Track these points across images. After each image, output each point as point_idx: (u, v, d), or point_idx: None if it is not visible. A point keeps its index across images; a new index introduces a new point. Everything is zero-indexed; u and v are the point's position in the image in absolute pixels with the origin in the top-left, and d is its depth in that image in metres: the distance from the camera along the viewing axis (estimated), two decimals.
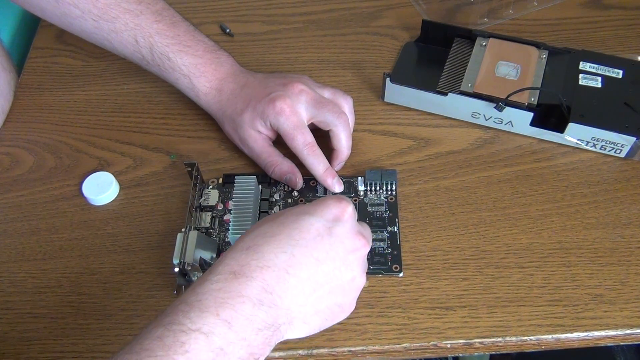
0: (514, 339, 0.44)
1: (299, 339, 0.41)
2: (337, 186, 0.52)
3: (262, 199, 0.52)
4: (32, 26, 0.71)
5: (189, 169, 0.51)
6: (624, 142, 0.52)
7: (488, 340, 0.44)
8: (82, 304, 0.48)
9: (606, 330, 0.44)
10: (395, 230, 0.50)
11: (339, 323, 0.42)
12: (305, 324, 0.39)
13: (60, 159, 0.57)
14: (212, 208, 0.52)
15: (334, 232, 0.39)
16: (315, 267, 0.38)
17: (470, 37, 0.59)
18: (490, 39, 0.58)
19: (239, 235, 0.46)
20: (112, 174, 0.54)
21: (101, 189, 0.53)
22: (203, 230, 0.51)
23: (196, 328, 0.33)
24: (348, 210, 0.40)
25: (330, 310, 0.40)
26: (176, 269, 0.45)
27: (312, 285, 0.38)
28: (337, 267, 0.39)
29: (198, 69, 0.54)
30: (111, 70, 0.65)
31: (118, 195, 0.54)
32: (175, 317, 0.34)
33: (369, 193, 0.52)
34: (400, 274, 0.47)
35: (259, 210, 0.51)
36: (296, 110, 0.51)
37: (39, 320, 0.47)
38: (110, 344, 0.45)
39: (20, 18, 0.72)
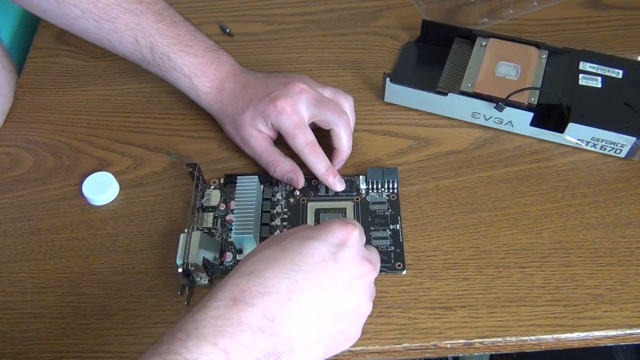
0: (514, 339, 0.44)
1: None
2: (339, 185, 0.52)
3: (264, 199, 0.52)
4: (32, 26, 0.71)
5: (191, 169, 0.51)
6: (624, 142, 0.52)
7: (488, 340, 0.44)
8: (82, 304, 0.48)
9: (606, 330, 0.44)
10: (398, 228, 0.50)
11: None
12: (307, 353, 0.37)
13: (60, 159, 0.57)
14: (214, 208, 0.52)
15: (339, 257, 0.38)
16: (319, 293, 0.36)
17: (470, 37, 0.60)
18: (490, 39, 0.58)
19: (242, 235, 0.47)
20: (112, 174, 0.54)
21: (101, 189, 0.53)
22: (205, 231, 0.51)
23: (193, 358, 0.32)
24: (354, 235, 0.39)
25: (334, 338, 0.38)
26: (180, 270, 0.45)
27: (315, 312, 0.36)
28: (341, 294, 0.37)
29: (199, 68, 0.54)
30: (111, 70, 0.65)
31: (118, 195, 0.54)
32: (172, 345, 0.33)
33: (370, 191, 0.52)
34: (404, 272, 0.47)
35: (261, 210, 0.51)
36: (297, 109, 0.51)
37: (39, 320, 0.47)
38: (110, 344, 0.45)
39: (20, 18, 0.72)
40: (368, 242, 0.48)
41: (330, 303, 0.37)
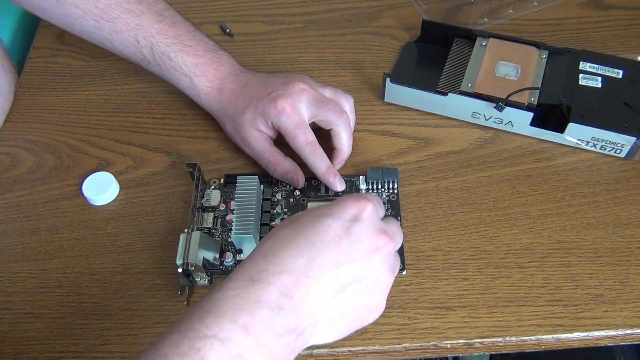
0: (514, 339, 0.44)
1: (327, 344, 0.39)
2: (339, 185, 0.52)
3: (264, 199, 0.52)
4: (32, 26, 0.71)
5: (191, 169, 0.51)
6: (624, 142, 0.52)
7: (488, 340, 0.44)
8: (82, 304, 0.48)
9: (606, 330, 0.44)
10: None
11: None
12: (331, 328, 0.37)
13: (60, 159, 0.57)
14: (214, 208, 0.52)
15: (353, 231, 0.38)
16: (336, 269, 0.37)
17: (470, 37, 0.60)
18: (491, 39, 0.58)
19: (242, 235, 0.47)
20: (112, 174, 0.54)
21: (101, 189, 0.53)
22: (205, 231, 0.51)
23: (212, 334, 0.32)
24: (367, 209, 0.39)
25: (357, 312, 0.38)
26: (180, 270, 0.45)
27: (333, 287, 0.37)
28: (358, 268, 0.37)
29: (199, 68, 0.54)
30: (111, 70, 0.65)
31: (118, 195, 0.54)
32: (191, 323, 0.33)
33: (370, 192, 0.52)
34: (404, 272, 0.47)
35: (261, 210, 0.51)
36: (297, 109, 0.51)
37: (39, 320, 0.47)
38: (110, 344, 0.45)
39: (20, 18, 0.72)
40: None
41: (348, 277, 0.37)
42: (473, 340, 0.44)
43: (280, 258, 0.36)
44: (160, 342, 0.33)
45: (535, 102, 0.53)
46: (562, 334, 0.44)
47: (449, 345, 0.45)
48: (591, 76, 0.56)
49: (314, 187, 0.53)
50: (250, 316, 0.34)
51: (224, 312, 0.34)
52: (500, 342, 0.44)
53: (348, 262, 0.37)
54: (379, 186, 0.52)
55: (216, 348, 0.32)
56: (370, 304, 0.39)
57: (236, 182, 0.51)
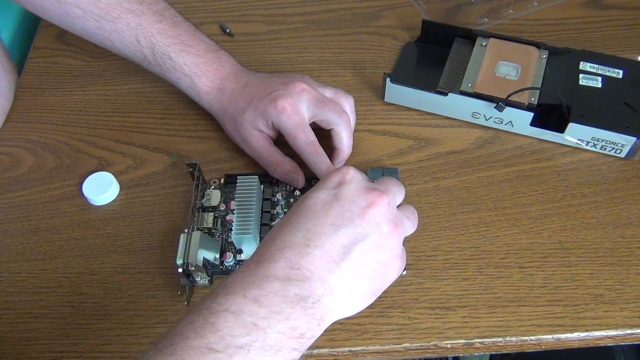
0: (514, 339, 0.44)
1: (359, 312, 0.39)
2: None
3: (264, 199, 0.52)
4: (32, 26, 0.71)
5: (191, 169, 0.51)
6: (624, 142, 0.52)
7: (488, 340, 0.44)
8: (82, 304, 0.48)
9: (606, 330, 0.44)
10: None
11: (359, 314, 0.40)
12: (350, 291, 0.38)
13: (61, 159, 0.57)
14: (214, 208, 0.52)
15: (341, 195, 0.39)
16: (334, 232, 0.37)
17: (470, 37, 0.60)
18: (491, 39, 0.58)
19: (242, 236, 0.47)
20: (112, 174, 0.54)
21: (101, 189, 0.53)
22: (206, 231, 0.51)
23: (224, 309, 0.34)
24: (349, 172, 0.40)
25: (372, 269, 0.39)
26: (180, 270, 0.45)
27: (338, 250, 0.37)
28: (358, 226, 0.38)
29: (199, 68, 0.54)
30: (111, 70, 0.65)
31: (118, 195, 0.54)
32: (204, 304, 0.35)
33: None
34: (404, 272, 0.47)
35: (262, 210, 0.51)
36: (298, 109, 0.51)
37: (39, 320, 0.47)
38: (110, 344, 0.45)
39: (20, 18, 0.72)
40: None
41: (350, 237, 0.38)
42: (473, 340, 0.44)
43: (279, 239, 0.37)
44: (178, 324, 0.34)
45: (536, 102, 0.53)
46: (562, 334, 0.44)
47: (449, 345, 0.45)
48: (591, 76, 0.56)
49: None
50: (260, 289, 0.35)
51: (233, 290, 0.35)
52: (500, 342, 0.44)
53: (345, 223, 0.38)
54: None
55: (230, 319, 0.33)
56: (383, 260, 0.39)
57: (236, 182, 0.51)
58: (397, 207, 0.42)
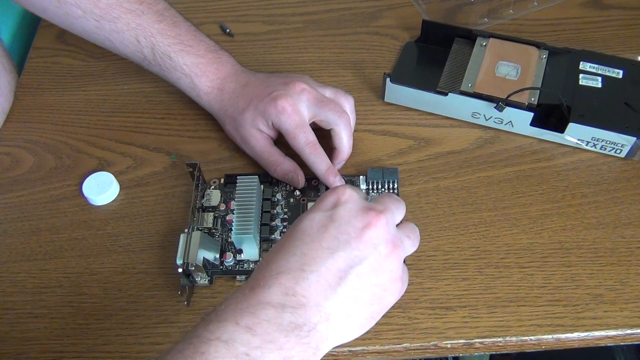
0: (514, 339, 0.44)
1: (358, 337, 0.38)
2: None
3: (264, 199, 0.52)
4: (32, 26, 0.71)
5: (191, 169, 0.51)
6: (624, 142, 0.52)
7: (488, 340, 0.44)
8: (82, 304, 0.48)
9: (606, 330, 0.44)
10: None
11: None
12: (349, 317, 0.36)
13: (61, 159, 0.57)
14: (214, 208, 0.52)
15: (336, 217, 0.37)
16: (330, 256, 0.36)
17: (470, 37, 0.60)
18: (491, 39, 0.58)
19: (242, 236, 0.47)
20: (112, 174, 0.54)
21: (101, 189, 0.53)
22: (205, 231, 0.51)
23: (215, 337, 0.32)
24: (345, 193, 0.38)
25: (370, 293, 0.37)
26: (180, 270, 0.45)
27: (334, 274, 0.36)
28: (354, 248, 0.36)
29: (199, 68, 0.54)
30: (111, 70, 0.65)
31: (118, 195, 0.54)
32: (194, 332, 0.33)
33: (371, 192, 0.52)
34: None
35: (262, 210, 0.51)
36: (298, 109, 0.51)
37: (39, 320, 0.47)
38: (110, 344, 0.45)
39: (20, 18, 0.72)
40: None
41: (346, 261, 0.36)
42: (473, 340, 0.44)
43: (274, 263, 0.36)
44: (168, 352, 0.33)
45: (536, 102, 0.53)
46: (562, 334, 0.44)
47: (449, 345, 0.45)
48: (591, 76, 0.56)
49: (314, 187, 0.53)
50: (253, 317, 0.33)
51: (226, 317, 0.34)
52: (500, 342, 0.44)
53: (341, 246, 0.36)
54: (379, 186, 0.52)
55: (220, 349, 0.32)
56: (382, 282, 0.37)
57: (236, 182, 0.51)
58: (397, 225, 0.40)
